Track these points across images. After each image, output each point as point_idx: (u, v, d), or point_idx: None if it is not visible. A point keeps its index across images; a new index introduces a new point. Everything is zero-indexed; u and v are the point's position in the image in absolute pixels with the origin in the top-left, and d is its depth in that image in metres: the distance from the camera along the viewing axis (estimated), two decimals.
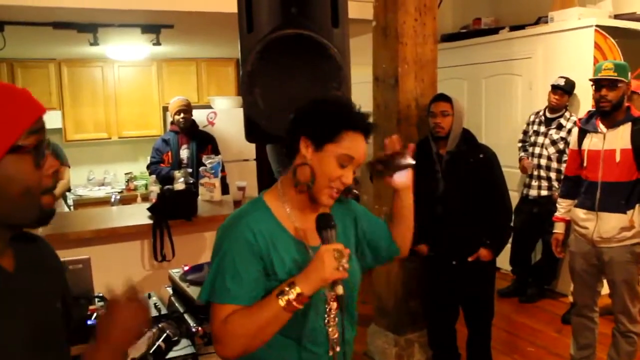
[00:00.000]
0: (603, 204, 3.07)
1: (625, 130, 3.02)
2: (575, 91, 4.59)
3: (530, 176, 4.75)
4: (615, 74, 2.99)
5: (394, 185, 1.67)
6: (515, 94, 5.33)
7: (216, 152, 4.76)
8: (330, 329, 1.45)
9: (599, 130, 3.09)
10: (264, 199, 1.50)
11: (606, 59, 4.37)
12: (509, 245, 4.82)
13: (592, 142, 3.13)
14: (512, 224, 3.35)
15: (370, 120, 1.50)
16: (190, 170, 4.52)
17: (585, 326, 3.31)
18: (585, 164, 3.16)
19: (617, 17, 4.86)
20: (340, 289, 1.33)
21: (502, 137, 5.31)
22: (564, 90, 4.53)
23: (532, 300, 4.87)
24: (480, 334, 3.30)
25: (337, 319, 1.45)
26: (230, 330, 1.34)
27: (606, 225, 3.06)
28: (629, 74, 3.09)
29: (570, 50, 4.76)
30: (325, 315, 1.44)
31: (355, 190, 5.90)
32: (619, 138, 3.02)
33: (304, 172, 1.44)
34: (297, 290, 1.29)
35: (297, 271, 1.40)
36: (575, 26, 4.69)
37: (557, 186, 4.53)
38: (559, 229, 3.38)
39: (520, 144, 4.95)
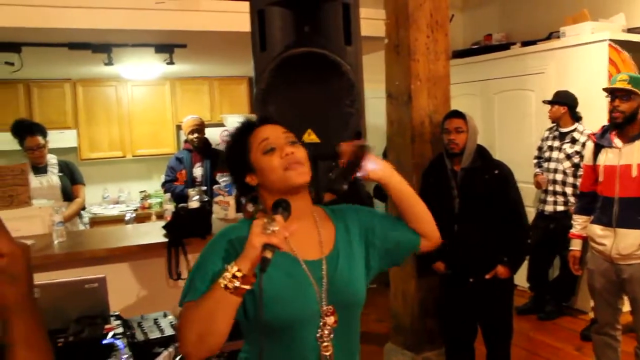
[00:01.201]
0: (621, 220, 3.03)
1: None
2: (590, 105, 4.57)
3: (546, 192, 4.71)
4: (630, 85, 2.97)
5: (373, 179, 1.51)
6: (528, 110, 5.31)
7: None
8: (324, 344, 1.38)
9: (614, 145, 3.06)
10: (255, 217, 1.49)
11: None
12: (526, 262, 4.77)
13: (607, 157, 3.10)
14: (529, 241, 3.31)
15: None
16: (204, 188, 4.54)
17: (607, 344, 3.24)
18: (601, 180, 3.13)
19: (630, 30, 4.85)
20: (267, 253, 1.22)
21: (516, 153, 5.27)
22: (553, 102, 4.57)
23: (551, 318, 4.80)
24: (499, 353, 3.24)
25: (331, 335, 1.39)
26: (183, 323, 1.30)
27: (624, 242, 3.01)
28: None
29: (583, 65, 4.74)
30: (319, 330, 1.38)
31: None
32: (636, 153, 2.99)
33: (266, 197, 1.48)
34: (234, 268, 1.23)
35: (291, 283, 1.38)
36: (589, 40, 4.68)
37: (573, 201, 4.49)
38: (575, 245, 3.33)
39: (535, 161, 4.92)
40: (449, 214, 3.12)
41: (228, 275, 1.23)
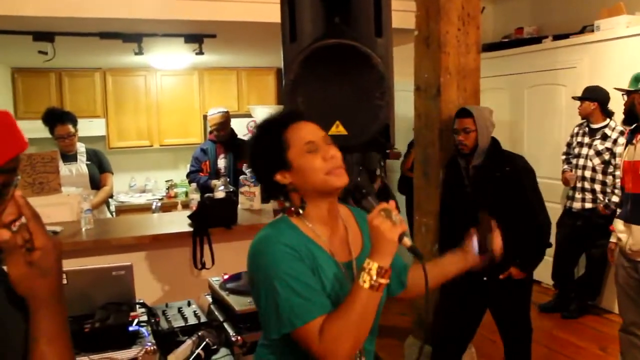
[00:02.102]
0: (632, 216, 2.99)
1: None
2: (623, 101, 4.46)
3: (574, 188, 4.63)
4: (628, 85, 3.11)
5: (468, 253, 1.76)
6: (559, 105, 5.22)
7: None
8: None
9: (634, 142, 3.05)
10: (288, 218, 1.47)
11: None
12: (551, 259, 4.70)
13: (627, 153, 3.11)
14: (548, 240, 3.15)
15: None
16: (228, 179, 4.55)
17: (632, 344, 3.17)
18: (621, 175, 3.17)
19: None
20: (407, 241, 1.30)
21: (545, 148, 5.19)
22: (583, 98, 4.50)
23: (575, 316, 4.72)
24: (517, 351, 3.17)
25: None
26: (332, 341, 1.27)
27: (634, 238, 2.97)
28: None
29: (617, 59, 4.64)
30: None
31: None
32: None
33: (296, 197, 1.46)
34: (376, 265, 1.26)
35: (338, 288, 1.38)
36: (624, 34, 4.58)
37: (601, 198, 4.43)
38: (614, 238, 3.28)
39: (563, 157, 4.83)
40: (462, 211, 3.04)
41: (374, 275, 1.26)
